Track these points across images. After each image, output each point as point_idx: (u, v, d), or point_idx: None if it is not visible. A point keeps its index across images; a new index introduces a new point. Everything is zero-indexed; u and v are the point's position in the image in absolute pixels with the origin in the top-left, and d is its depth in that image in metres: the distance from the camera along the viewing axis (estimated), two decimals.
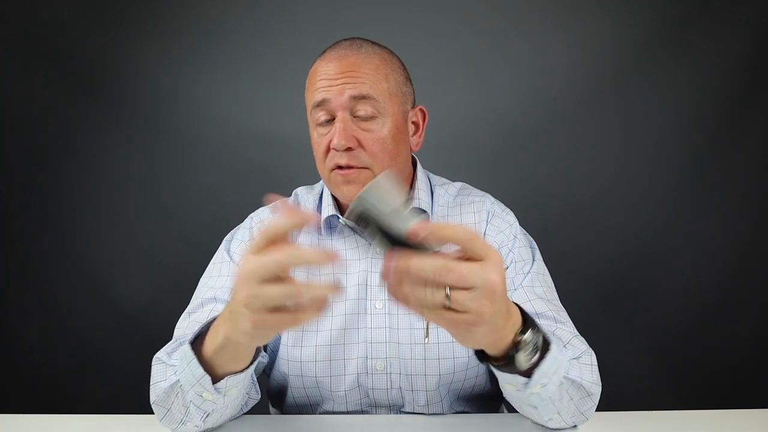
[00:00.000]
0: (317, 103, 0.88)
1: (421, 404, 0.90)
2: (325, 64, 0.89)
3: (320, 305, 0.54)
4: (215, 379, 0.68)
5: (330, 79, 0.87)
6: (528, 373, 0.66)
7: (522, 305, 0.86)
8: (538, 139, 1.87)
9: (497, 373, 0.68)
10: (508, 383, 0.69)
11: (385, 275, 0.54)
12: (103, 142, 1.87)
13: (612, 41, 1.83)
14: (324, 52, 0.92)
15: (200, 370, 0.67)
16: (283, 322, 0.55)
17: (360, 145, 0.87)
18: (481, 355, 0.66)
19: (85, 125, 1.87)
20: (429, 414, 0.90)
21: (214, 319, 0.68)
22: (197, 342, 0.69)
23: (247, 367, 0.69)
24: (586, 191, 1.87)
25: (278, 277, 0.53)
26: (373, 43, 0.93)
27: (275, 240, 0.54)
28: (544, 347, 0.66)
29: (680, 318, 1.85)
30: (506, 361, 0.63)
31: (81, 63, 1.85)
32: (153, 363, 0.77)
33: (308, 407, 0.94)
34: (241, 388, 0.72)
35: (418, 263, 0.52)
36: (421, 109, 0.97)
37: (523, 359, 0.63)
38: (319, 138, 0.90)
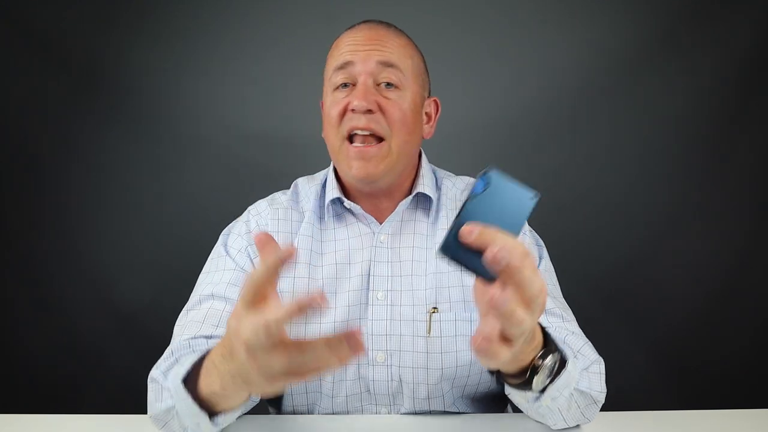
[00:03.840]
0: (340, 66, 0.87)
1: (422, 397, 0.89)
2: (353, 32, 0.91)
3: (320, 369, 0.49)
4: (212, 413, 0.65)
5: (357, 44, 0.87)
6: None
7: None
8: (538, 140, 1.87)
9: (508, 386, 0.69)
10: (519, 396, 0.70)
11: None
12: (103, 141, 1.87)
13: (613, 41, 1.83)
14: (351, 26, 0.94)
15: (196, 408, 0.64)
16: (276, 384, 0.50)
17: (380, 110, 0.86)
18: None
19: (85, 125, 1.87)
20: (430, 410, 0.90)
21: (206, 354, 0.64)
22: (194, 370, 0.66)
23: (245, 401, 0.68)
24: (586, 191, 1.87)
25: (273, 342, 0.48)
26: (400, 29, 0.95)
27: (263, 290, 0.49)
28: (560, 364, 0.66)
29: (680, 318, 1.86)
30: (522, 379, 0.63)
31: (81, 63, 1.85)
32: (149, 381, 0.76)
33: (305, 405, 0.93)
34: (239, 413, 0.72)
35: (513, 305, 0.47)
36: (435, 100, 0.98)
37: (538, 382, 0.62)
38: (334, 102, 0.88)
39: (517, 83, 1.86)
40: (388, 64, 0.87)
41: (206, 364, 0.62)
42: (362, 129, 0.86)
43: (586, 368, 0.78)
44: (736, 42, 1.79)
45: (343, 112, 0.87)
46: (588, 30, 1.83)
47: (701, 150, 1.84)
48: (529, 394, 0.68)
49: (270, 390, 0.51)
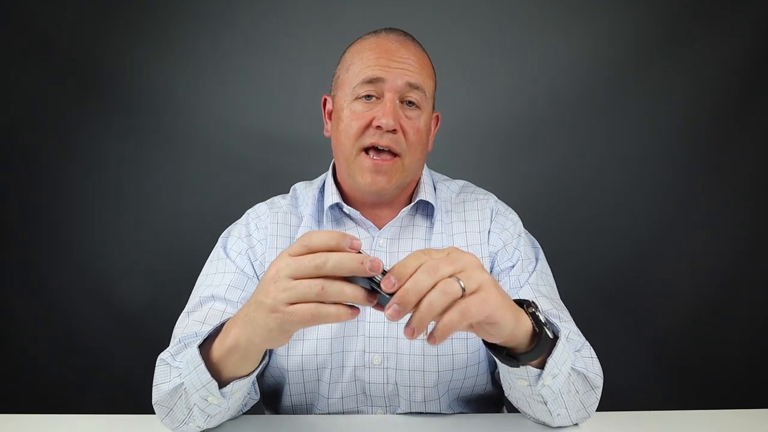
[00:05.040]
0: (369, 79, 0.87)
1: (418, 401, 0.89)
2: (382, 42, 0.90)
3: (345, 309, 0.54)
4: (221, 383, 0.68)
5: (389, 60, 0.88)
6: (540, 365, 0.68)
7: None
8: (538, 140, 1.87)
9: (511, 372, 0.69)
10: (521, 378, 0.70)
11: (394, 315, 0.53)
12: (103, 142, 1.87)
13: (613, 41, 1.83)
14: (377, 32, 0.93)
15: (207, 376, 0.67)
16: (303, 314, 0.54)
17: (402, 130, 0.88)
18: (502, 358, 0.68)
19: (85, 125, 1.87)
20: (426, 413, 0.90)
21: (222, 324, 0.68)
22: (203, 346, 0.69)
23: (253, 371, 0.69)
24: (586, 191, 1.87)
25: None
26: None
27: (316, 251, 0.54)
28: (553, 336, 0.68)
29: (680, 318, 1.85)
30: (535, 342, 0.65)
31: (81, 63, 1.85)
32: (157, 364, 0.77)
33: (303, 406, 0.93)
34: (245, 391, 0.73)
35: (414, 277, 0.53)
36: (437, 115, 1.00)
37: (548, 331, 0.66)
38: (357, 113, 0.88)
39: (518, 83, 1.86)
40: (415, 86, 0.88)
41: (228, 322, 0.67)
42: (384, 146, 0.87)
43: (577, 350, 0.79)
44: (736, 42, 1.78)
45: (366, 126, 0.88)
46: (588, 30, 1.83)
47: (702, 150, 1.84)
48: (531, 372, 0.68)
49: (272, 326, 0.56)
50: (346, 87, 0.90)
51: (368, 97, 0.88)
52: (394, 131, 0.87)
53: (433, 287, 0.53)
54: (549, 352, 0.67)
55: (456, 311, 0.53)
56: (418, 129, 0.89)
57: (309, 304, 0.53)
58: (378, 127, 0.86)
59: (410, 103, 0.89)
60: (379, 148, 0.88)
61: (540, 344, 0.65)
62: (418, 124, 0.89)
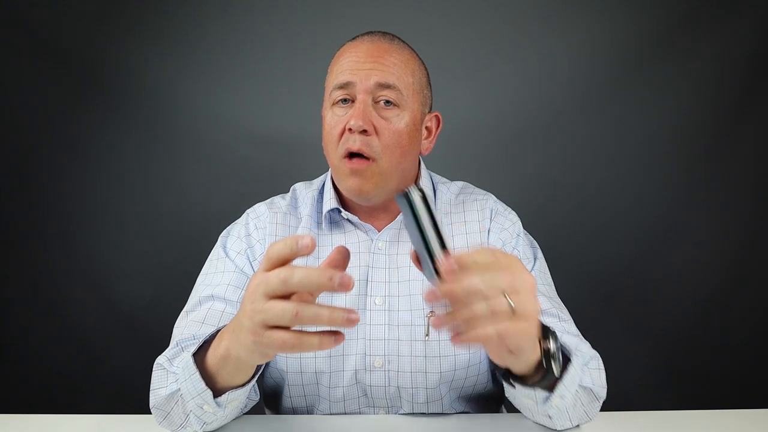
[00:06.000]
0: (340, 85, 0.86)
1: (421, 402, 0.89)
2: (354, 47, 0.89)
3: (329, 338, 0.53)
4: (216, 392, 0.67)
5: (358, 62, 0.87)
6: (550, 387, 0.67)
7: None
8: (538, 141, 1.87)
9: (518, 389, 0.68)
10: (528, 398, 0.70)
11: (431, 298, 0.52)
12: (103, 141, 1.87)
13: (613, 42, 1.83)
14: (354, 38, 0.92)
15: (202, 385, 0.66)
16: (283, 342, 0.52)
17: (375, 132, 0.85)
18: (504, 375, 0.67)
19: (85, 125, 1.87)
20: (429, 413, 0.90)
21: (218, 331, 0.68)
22: (200, 352, 0.68)
23: (248, 382, 0.69)
24: (586, 191, 1.87)
25: (285, 296, 0.52)
26: (403, 41, 0.94)
27: (280, 263, 0.53)
28: (564, 357, 0.67)
29: (680, 318, 1.86)
30: (541, 374, 0.63)
31: (81, 63, 1.85)
32: (154, 369, 0.77)
33: (304, 408, 0.93)
34: (241, 400, 0.72)
35: (470, 278, 0.50)
36: (436, 115, 0.98)
37: (556, 368, 0.63)
38: (334, 120, 0.88)
39: (519, 84, 1.86)
40: (386, 86, 0.86)
41: (221, 330, 0.66)
42: (356, 150, 0.86)
43: (585, 364, 0.78)
44: (736, 42, 1.78)
45: (343, 132, 0.87)
46: (590, 32, 1.83)
47: (701, 150, 1.84)
48: (539, 395, 0.68)
49: (252, 348, 0.55)
50: (325, 95, 0.91)
51: (344, 101, 0.87)
52: (365, 132, 0.84)
53: (484, 297, 0.51)
54: (559, 376, 0.66)
55: (496, 331, 0.51)
56: (394, 130, 0.86)
57: (289, 333, 0.52)
58: (350, 130, 0.85)
59: (387, 102, 0.86)
60: (353, 152, 0.86)
61: (545, 379, 0.64)
62: (397, 125, 0.86)
